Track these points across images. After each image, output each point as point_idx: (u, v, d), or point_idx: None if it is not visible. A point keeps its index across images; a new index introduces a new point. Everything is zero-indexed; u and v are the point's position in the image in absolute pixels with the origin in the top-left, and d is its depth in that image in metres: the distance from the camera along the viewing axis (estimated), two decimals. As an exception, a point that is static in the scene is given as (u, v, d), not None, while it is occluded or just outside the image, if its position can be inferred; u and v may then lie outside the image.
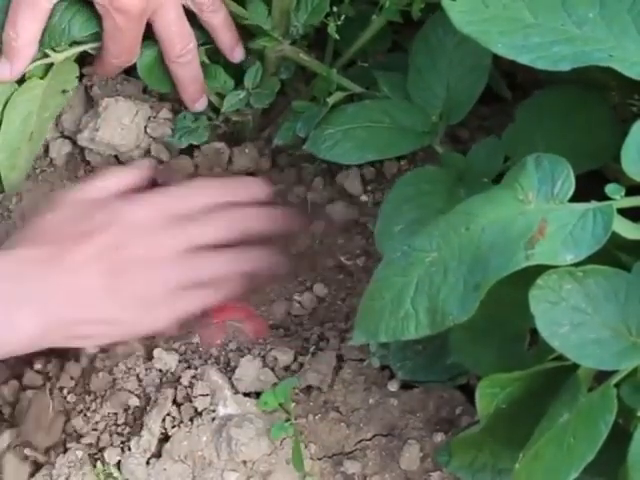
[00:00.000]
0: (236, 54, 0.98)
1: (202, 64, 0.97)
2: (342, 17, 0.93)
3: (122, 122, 0.97)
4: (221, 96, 0.99)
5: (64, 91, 0.95)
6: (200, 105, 0.99)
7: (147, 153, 0.99)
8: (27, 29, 0.90)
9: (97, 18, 0.91)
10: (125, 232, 0.85)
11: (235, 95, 0.98)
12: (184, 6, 0.93)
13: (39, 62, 0.94)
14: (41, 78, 0.94)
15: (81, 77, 1.00)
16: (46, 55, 0.94)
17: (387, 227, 0.85)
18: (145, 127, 0.99)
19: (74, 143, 1.00)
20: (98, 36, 0.94)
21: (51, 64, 0.95)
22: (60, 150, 1.01)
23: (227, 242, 0.90)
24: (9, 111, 0.92)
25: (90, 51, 0.96)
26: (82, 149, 1.00)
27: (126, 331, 0.86)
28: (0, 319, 0.79)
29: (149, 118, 0.99)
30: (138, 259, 0.84)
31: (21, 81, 0.95)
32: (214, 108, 1.00)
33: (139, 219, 0.86)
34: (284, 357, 0.88)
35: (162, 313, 0.86)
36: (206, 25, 0.96)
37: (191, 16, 0.95)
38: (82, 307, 0.83)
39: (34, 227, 0.86)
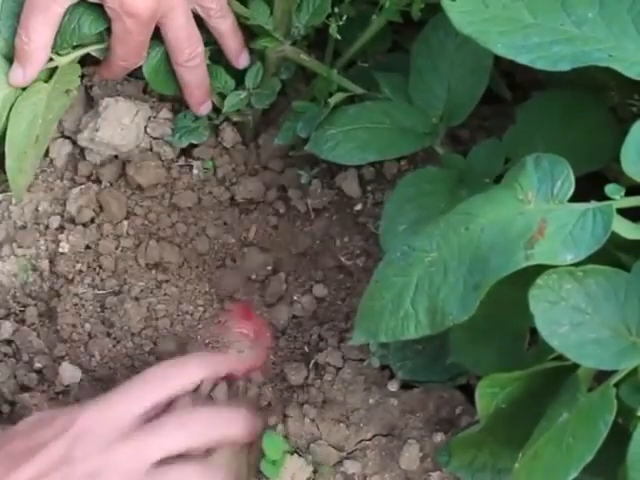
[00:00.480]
0: (241, 60, 0.98)
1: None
2: (343, 18, 0.93)
3: (122, 122, 0.97)
4: (222, 96, 0.99)
5: (67, 91, 0.95)
6: (205, 108, 0.99)
7: (149, 151, 0.99)
8: (39, 33, 0.89)
9: (105, 16, 0.90)
10: (77, 445, 0.76)
11: (236, 95, 0.98)
12: (192, 11, 0.93)
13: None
14: (45, 81, 0.94)
15: (81, 77, 0.99)
16: (50, 59, 0.93)
17: (391, 226, 0.85)
18: (145, 127, 0.99)
19: (74, 143, 1.00)
20: (102, 37, 0.94)
21: (55, 67, 0.94)
22: (60, 150, 1.01)
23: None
24: (14, 116, 0.92)
25: (93, 53, 0.96)
26: (82, 149, 1.00)
27: None
28: None
29: (149, 118, 1.00)
30: (91, 476, 0.76)
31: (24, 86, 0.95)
32: (214, 108, 1.00)
33: (95, 429, 0.77)
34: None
35: None
36: (213, 31, 0.95)
37: (197, 20, 0.95)
38: None
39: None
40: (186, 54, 0.93)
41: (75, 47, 0.94)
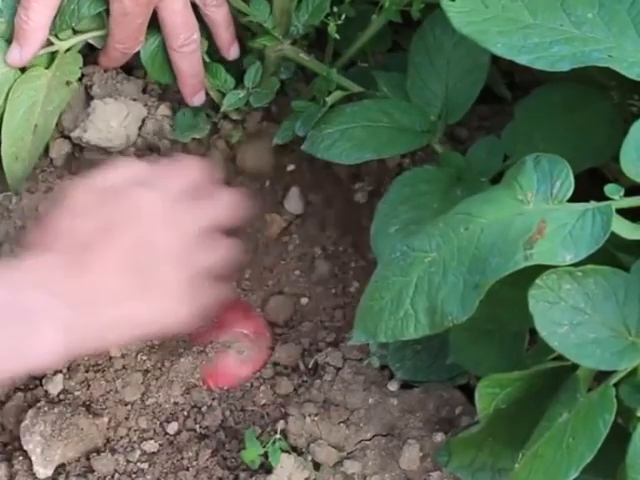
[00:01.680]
0: (232, 51, 0.99)
1: (203, 62, 0.97)
2: (342, 17, 0.93)
3: (110, 124, 0.97)
4: (222, 94, 0.99)
5: (68, 82, 0.95)
6: (198, 99, 0.99)
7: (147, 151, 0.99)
8: (39, 13, 0.90)
9: None
10: (140, 227, 0.81)
11: (235, 94, 0.98)
12: None
13: (43, 50, 0.93)
14: (45, 68, 0.94)
15: (81, 77, 1.00)
16: (50, 43, 0.93)
17: (382, 227, 0.85)
18: (140, 127, 0.99)
19: (74, 143, 1.00)
20: (102, 23, 0.94)
21: (55, 53, 0.94)
22: (60, 150, 1.00)
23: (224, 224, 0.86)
24: (12, 100, 0.92)
25: (92, 42, 0.96)
26: (82, 149, 1.00)
27: (152, 330, 0.83)
28: (24, 332, 0.75)
29: (146, 117, 1.00)
30: (159, 254, 0.81)
31: (23, 69, 0.94)
32: (213, 106, 1.00)
33: (159, 210, 0.82)
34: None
35: (185, 308, 0.82)
36: (207, 19, 0.96)
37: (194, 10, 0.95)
38: (108, 311, 0.79)
39: (50, 229, 0.82)
40: (181, 39, 0.94)
41: (75, 32, 0.94)
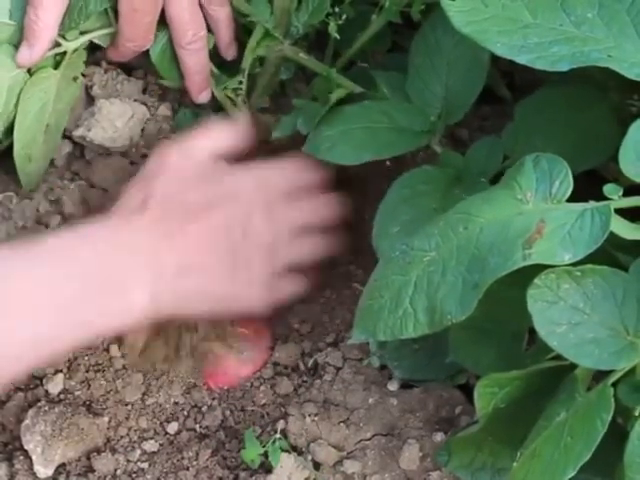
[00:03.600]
0: (231, 51, 0.99)
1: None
2: (342, 17, 0.93)
3: (115, 124, 0.97)
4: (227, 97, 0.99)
5: (75, 78, 0.95)
6: (204, 97, 0.99)
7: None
8: (48, 11, 0.90)
9: None
10: (240, 211, 0.85)
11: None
12: None
13: (51, 52, 0.94)
14: (54, 68, 0.95)
15: (82, 76, 1.00)
16: (58, 44, 0.94)
17: (384, 228, 0.85)
18: (142, 129, 0.99)
19: (74, 143, 1.01)
20: (108, 22, 0.95)
21: (63, 54, 0.95)
22: (60, 150, 1.01)
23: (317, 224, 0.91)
24: (23, 102, 0.92)
25: (98, 41, 0.96)
26: (82, 149, 1.00)
27: (229, 307, 0.86)
28: (115, 290, 0.78)
29: (147, 119, 1.00)
30: (256, 240, 0.85)
31: (31, 71, 0.94)
32: (213, 107, 1.00)
33: (257, 198, 0.86)
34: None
35: (265, 293, 0.86)
36: (209, 18, 0.96)
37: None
38: (194, 282, 0.82)
39: (144, 192, 0.84)
40: (189, 36, 0.94)
41: (82, 33, 0.95)
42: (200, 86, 0.98)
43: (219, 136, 0.90)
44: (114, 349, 0.90)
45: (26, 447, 0.85)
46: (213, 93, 0.99)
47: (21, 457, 0.86)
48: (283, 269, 0.87)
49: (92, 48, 1.02)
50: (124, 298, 0.78)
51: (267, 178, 0.88)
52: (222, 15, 0.96)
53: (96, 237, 0.80)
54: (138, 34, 0.94)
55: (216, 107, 1.00)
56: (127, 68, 1.01)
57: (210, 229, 0.82)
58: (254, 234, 0.84)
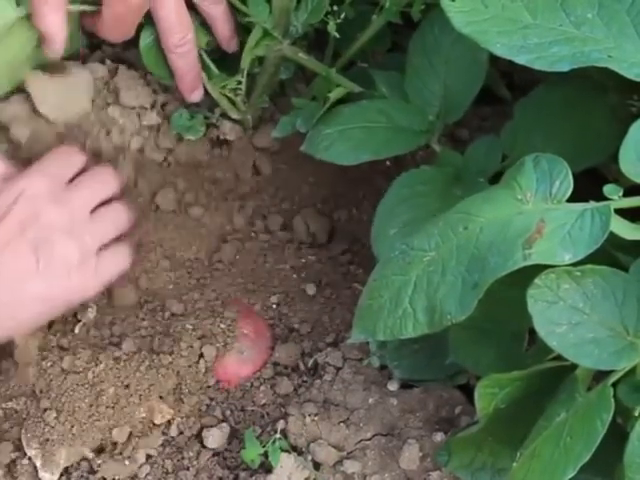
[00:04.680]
0: (232, 46, 0.99)
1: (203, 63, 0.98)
2: (342, 16, 0.93)
3: None
4: (224, 95, 0.99)
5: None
6: (196, 96, 0.99)
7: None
8: None
9: None
10: (33, 206, 0.85)
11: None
12: None
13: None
14: None
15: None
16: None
17: (382, 229, 0.85)
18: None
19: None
20: None
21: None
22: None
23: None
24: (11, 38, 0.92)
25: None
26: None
27: (59, 304, 0.87)
28: None
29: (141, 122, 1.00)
30: (54, 228, 0.85)
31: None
32: (210, 107, 1.00)
33: (42, 190, 0.86)
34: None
35: (89, 276, 0.87)
36: (206, 15, 0.96)
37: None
38: (14, 292, 0.83)
39: None
40: (177, 38, 0.94)
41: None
42: (191, 86, 0.98)
43: None
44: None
45: (29, 453, 0.85)
46: (209, 92, 0.99)
47: (25, 462, 0.86)
48: (96, 248, 0.88)
49: (93, 47, 1.03)
50: None
51: (42, 173, 0.88)
52: (218, 12, 0.96)
53: None
54: (119, 37, 0.94)
55: (212, 105, 1.00)
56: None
57: (5, 239, 0.82)
58: (49, 223, 0.85)
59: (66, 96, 0.97)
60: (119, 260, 0.91)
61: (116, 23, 0.92)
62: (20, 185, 0.86)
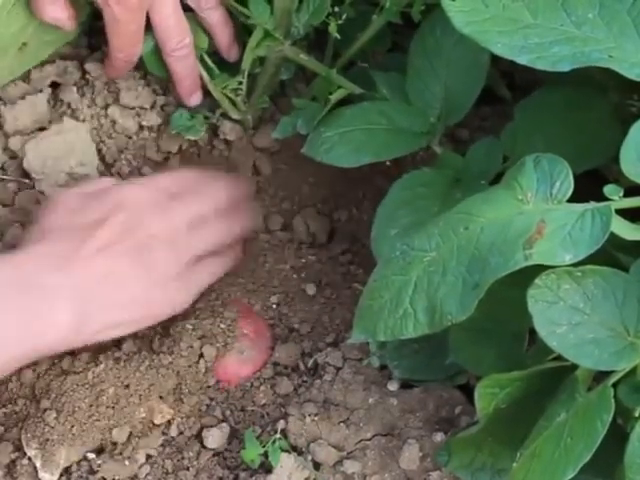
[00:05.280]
0: (232, 53, 0.99)
1: (205, 65, 0.98)
2: (343, 17, 0.93)
3: None
4: (225, 96, 0.99)
5: None
6: (195, 100, 0.99)
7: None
8: None
9: None
10: (135, 213, 0.85)
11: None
12: (183, 2, 0.93)
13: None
14: None
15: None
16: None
17: (383, 231, 0.85)
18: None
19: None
20: None
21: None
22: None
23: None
24: (9, 13, 0.91)
25: None
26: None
27: (153, 312, 0.86)
28: (35, 313, 0.78)
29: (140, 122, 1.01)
30: (155, 237, 0.85)
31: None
32: (210, 108, 1.00)
33: (144, 199, 0.86)
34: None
35: (183, 289, 0.87)
36: (204, 22, 0.96)
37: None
38: (113, 289, 0.82)
39: (40, 228, 0.86)
40: (174, 43, 0.94)
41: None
42: (189, 90, 0.98)
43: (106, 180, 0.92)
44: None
45: (29, 453, 0.85)
46: (211, 93, 0.99)
47: (24, 462, 0.86)
48: (192, 260, 0.88)
49: (93, 47, 1.03)
50: (47, 321, 0.78)
51: (150, 183, 0.89)
52: (215, 18, 0.96)
53: (7, 261, 0.81)
54: (125, 43, 0.94)
55: (212, 105, 1.00)
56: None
57: (107, 241, 0.83)
58: (152, 234, 0.85)
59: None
60: (210, 275, 0.91)
61: (119, 37, 0.93)
62: (122, 193, 0.86)
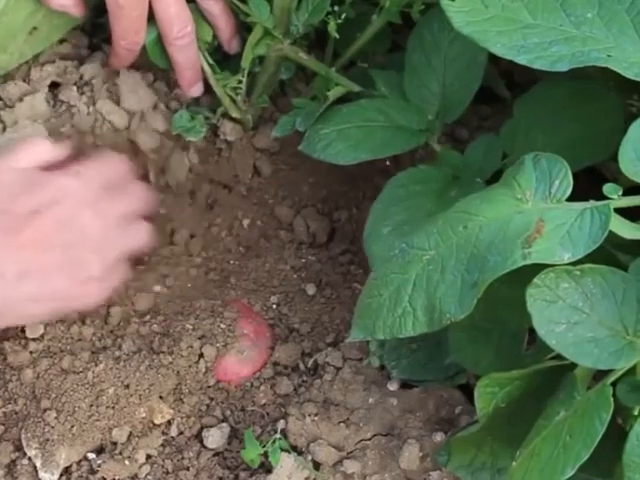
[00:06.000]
0: (233, 45, 0.99)
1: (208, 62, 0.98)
2: (342, 16, 0.93)
3: None
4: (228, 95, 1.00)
5: None
6: (195, 91, 0.99)
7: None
8: None
9: None
10: (66, 212, 0.86)
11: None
12: None
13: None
14: None
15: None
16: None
17: (375, 229, 0.85)
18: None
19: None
20: None
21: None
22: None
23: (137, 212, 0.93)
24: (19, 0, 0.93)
25: None
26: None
27: (72, 305, 0.89)
28: None
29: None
30: (83, 236, 0.86)
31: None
32: (211, 108, 1.00)
33: (78, 194, 0.87)
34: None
35: (103, 287, 0.89)
36: (205, 13, 0.96)
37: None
38: (34, 285, 0.84)
39: None
40: (175, 32, 0.94)
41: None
42: (190, 80, 0.98)
43: (39, 149, 0.91)
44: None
45: (29, 453, 0.85)
46: (211, 92, 0.99)
47: (25, 462, 0.86)
48: (119, 258, 0.89)
49: (94, 48, 1.03)
50: None
51: (86, 176, 0.89)
52: (217, 9, 0.96)
53: None
54: (128, 30, 0.94)
55: (213, 106, 1.01)
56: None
57: (41, 234, 0.84)
58: (84, 232, 0.86)
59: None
60: (127, 271, 0.92)
61: (122, 24, 0.93)
62: (59, 185, 0.87)
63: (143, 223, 0.92)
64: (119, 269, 0.90)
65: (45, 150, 0.90)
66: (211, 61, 0.98)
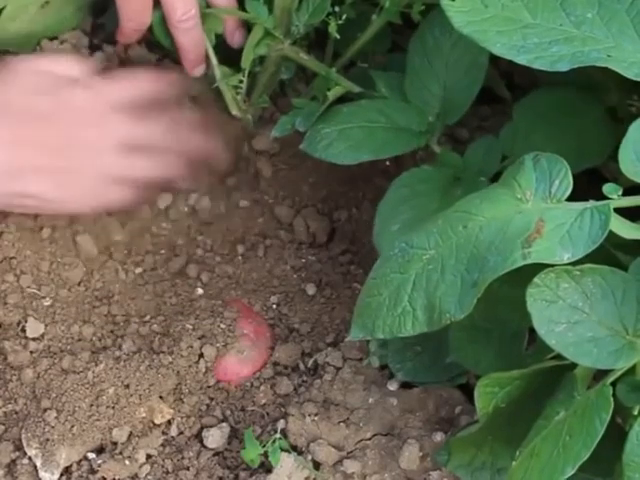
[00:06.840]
0: (237, 37, 0.99)
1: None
2: (343, 17, 0.93)
3: None
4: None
5: None
6: (198, 71, 0.99)
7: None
8: None
9: None
10: (73, 120, 0.88)
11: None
12: None
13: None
14: None
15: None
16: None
17: (385, 227, 0.85)
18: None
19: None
20: None
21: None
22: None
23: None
24: None
25: None
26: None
27: (55, 208, 0.91)
28: None
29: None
30: (84, 147, 0.88)
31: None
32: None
33: (86, 107, 0.89)
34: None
35: (92, 197, 0.91)
36: (210, 3, 0.96)
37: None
38: (19, 182, 0.86)
39: None
40: (179, 14, 0.94)
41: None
42: (194, 62, 0.98)
43: (66, 62, 0.93)
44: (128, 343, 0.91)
45: (29, 453, 0.85)
46: (218, 87, 0.99)
47: (25, 462, 0.86)
48: (114, 180, 0.90)
49: (94, 48, 1.03)
50: None
51: (103, 91, 0.91)
52: (221, 0, 0.96)
53: None
54: (135, 12, 0.94)
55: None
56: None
57: (43, 135, 0.86)
58: (84, 143, 0.88)
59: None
60: (121, 196, 0.93)
61: (129, 5, 0.94)
62: (74, 96, 0.89)
63: (158, 158, 0.93)
64: (116, 188, 0.91)
65: (69, 64, 0.92)
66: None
